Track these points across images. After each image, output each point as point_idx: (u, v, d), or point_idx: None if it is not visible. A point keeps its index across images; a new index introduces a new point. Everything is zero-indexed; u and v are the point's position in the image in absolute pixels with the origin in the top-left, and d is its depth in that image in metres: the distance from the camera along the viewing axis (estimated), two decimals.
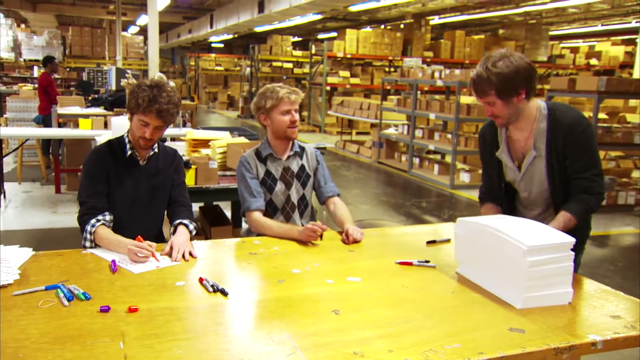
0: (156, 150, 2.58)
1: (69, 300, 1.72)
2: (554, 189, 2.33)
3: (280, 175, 2.77)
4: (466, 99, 10.63)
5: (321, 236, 2.45)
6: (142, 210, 2.55)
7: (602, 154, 9.59)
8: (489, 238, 1.93)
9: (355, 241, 2.48)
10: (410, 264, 2.18)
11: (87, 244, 2.30)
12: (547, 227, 1.97)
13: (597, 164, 2.27)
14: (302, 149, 2.86)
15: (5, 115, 9.51)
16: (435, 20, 16.32)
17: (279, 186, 2.76)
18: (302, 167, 2.82)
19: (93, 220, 2.32)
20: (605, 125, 8.02)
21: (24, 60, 16.66)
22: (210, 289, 1.86)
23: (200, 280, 1.93)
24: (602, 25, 17.26)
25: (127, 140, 2.52)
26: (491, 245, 1.92)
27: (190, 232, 2.43)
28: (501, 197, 2.52)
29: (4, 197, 6.46)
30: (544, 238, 1.84)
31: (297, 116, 2.72)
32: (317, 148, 2.99)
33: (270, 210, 2.73)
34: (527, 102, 2.24)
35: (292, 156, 2.80)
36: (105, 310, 1.67)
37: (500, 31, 16.86)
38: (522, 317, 1.74)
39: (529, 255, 1.77)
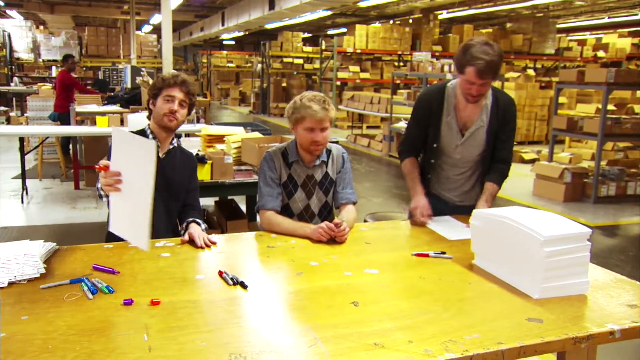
0: (175, 144, 2.60)
1: (93, 294, 1.72)
2: (485, 153, 2.74)
3: (302, 182, 2.61)
4: None
5: (335, 238, 2.32)
6: (157, 201, 2.54)
7: (610, 145, 9.50)
8: (505, 229, 1.90)
9: (335, 235, 2.32)
10: (426, 255, 2.16)
11: (99, 184, 2.17)
12: (562, 217, 1.94)
13: (514, 138, 2.82)
14: (329, 153, 2.67)
15: (26, 114, 9.58)
16: (444, 14, 16.19)
17: (299, 193, 2.62)
18: (325, 175, 2.65)
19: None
20: (613, 116, 7.93)
21: (43, 60, 16.77)
22: (230, 282, 1.85)
23: (220, 273, 1.92)
24: (608, 17, 17.02)
25: (149, 131, 2.56)
26: (508, 237, 1.89)
27: (202, 230, 2.43)
28: (418, 154, 2.88)
29: (26, 193, 6.52)
30: (560, 228, 1.82)
31: (322, 135, 2.48)
32: (330, 142, 2.88)
33: (286, 215, 2.58)
34: None
35: (318, 165, 2.63)
36: (128, 303, 1.67)
37: (508, 25, 16.67)
38: (540, 307, 1.71)
39: (545, 245, 1.75)
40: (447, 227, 2.53)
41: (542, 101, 12.71)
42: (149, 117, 2.62)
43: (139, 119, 4.60)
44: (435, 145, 2.75)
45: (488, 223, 2.01)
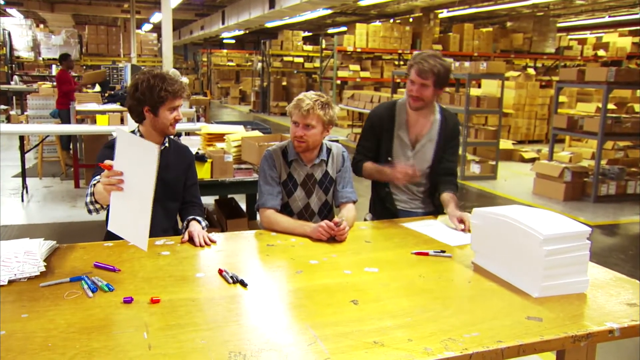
0: (167, 145, 2.57)
1: (93, 292, 1.72)
2: (434, 166, 2.88)
3: (302, 181, 2.62)
4: (476, 91, 10.55)
5: (335, 237, 2.33)
6: (153, 203, 2.52)
7: (610, 144, 9.50)
8: (505, 228, 1.90)
9: (335, 234, 2.33)
10: (426, 254, 2.16)
11: (88, 198, 2.18)
12: (561, 216, 1.94)
13: (458, 153, 3.04)
14: (329, 151, 2.69)
15: (26, 113, 9.58)
16: (444, 13, 16.18)
17: (299, 192, 2.62)
18: (325, 173, 2.65)
19: (97, 177, 2.17)
20: (613, 115, 7.94)
21: (43, 59, 16.77)
22: (230, 280, 1.85)
23: (220, 271, 1.92)
24: (609, 16, 17.02)
25: (138, 135, 2.50)
26: (507, 235, 1.89)
27: (203, 228, 2.42)
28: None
29: (27, 191, 6.52)
30: (559, 227, 1.81)
31: (305, 132, 2.49)
32: (330, 141, 2.88)
33: (286, 214, 2.58)
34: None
35: (317, 164, 2.64)
36: (128, 301, 1.67)
37: (508, 23, 16.67)
38: (539, 305, 1.72)
39: (545, 244, 1.75)
40: (441, 232, 2.52)
41: (542, 100, 12.71)
42: (139, 121, 2.51)
43: None
44: (389, 158, 2.87)
45: (488, 222, 2.01)
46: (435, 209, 2.97)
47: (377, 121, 2.90)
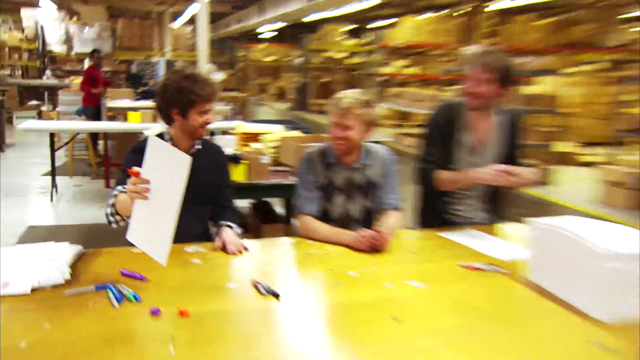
0: (200, 147, 2.57)
1: (118, 302, 1.72)
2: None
3: (342, 186, 2.59)
4: (531, 89, 10.31)
5: (377, 249, 2.27)
6: (184, 208, 2.52)
7: None
8: (568, 242, 1.81)
9: (374, 243, 2.28)
10: (476, 268, 2.10)
11: (109, 210, 2.22)
12: (633, 229, 1.84)
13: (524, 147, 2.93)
14: (372, 155, 2.63)
15: (57, 109, 9.85)
16: (497, 4, 15.89)
17: (338, 197, 2.60)
18: (367, 178, 2.61)
19: (120, 187, 2.22)
20: None
21: (75, 53, 17.22)
22: (263, 292, 1.83)
23: (254, 283, 1.90)
24: None
25: (168, 137, 2.51)
26: (571, 251, 1.80)
27: (237, 234, 2.41)
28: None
29: (56, 190, 6.69)
30: (631, 243, 1.72)
31: (342, 132, 2.46)
32: (373, 142, 2.84)
33: (325, 220, 2.55)
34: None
35: (359, 167, 2.60)
36: (155, 312, 1.66)
37: (568, 15, 16.26)
38: (608, 332, 1.61)
39: (616, 261, 1.65)
40: (493, 245, 2.44)
41: (605, 98, 12.31)
42: (167, 123, 2.52)
43: None
44: (449, 165, 2.72)
45: (546, 234, 1.93)
46: (494, 218, 2.88)
47: (443, 122, 2.75)
